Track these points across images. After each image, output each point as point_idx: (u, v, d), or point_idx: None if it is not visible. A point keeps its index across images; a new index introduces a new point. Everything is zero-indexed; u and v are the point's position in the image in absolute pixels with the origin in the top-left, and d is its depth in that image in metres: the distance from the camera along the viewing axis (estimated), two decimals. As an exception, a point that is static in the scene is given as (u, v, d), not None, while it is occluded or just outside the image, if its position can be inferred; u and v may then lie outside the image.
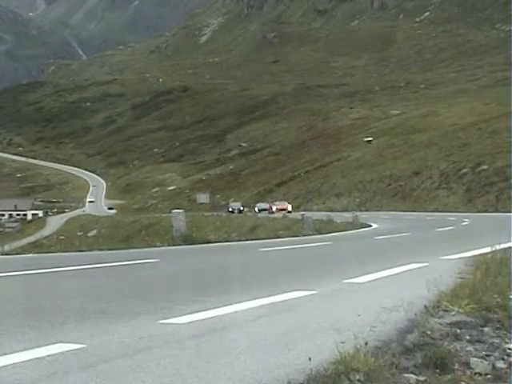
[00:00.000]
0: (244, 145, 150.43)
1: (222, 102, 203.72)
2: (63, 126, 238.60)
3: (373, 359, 3.37)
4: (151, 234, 29.72)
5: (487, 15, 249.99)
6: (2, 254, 15.82)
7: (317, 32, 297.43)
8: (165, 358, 3.49)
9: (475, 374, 3.51)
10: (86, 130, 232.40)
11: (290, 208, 58.95)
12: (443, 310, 4.91)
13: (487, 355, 3.84)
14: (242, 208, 66.79)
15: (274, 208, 59.25)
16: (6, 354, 3.57)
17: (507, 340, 4.17)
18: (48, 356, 3.51)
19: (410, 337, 4.06)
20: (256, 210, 62.66)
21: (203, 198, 64.59)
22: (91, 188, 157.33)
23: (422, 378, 3.35)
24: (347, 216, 33.22)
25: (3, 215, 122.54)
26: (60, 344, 3.79)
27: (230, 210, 64.59)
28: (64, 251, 17.56)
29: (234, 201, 78.38)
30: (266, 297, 5.65)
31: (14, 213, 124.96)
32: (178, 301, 5.58)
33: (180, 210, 19.64)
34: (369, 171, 69.70)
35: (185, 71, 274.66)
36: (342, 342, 3.64)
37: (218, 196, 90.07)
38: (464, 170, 52.81)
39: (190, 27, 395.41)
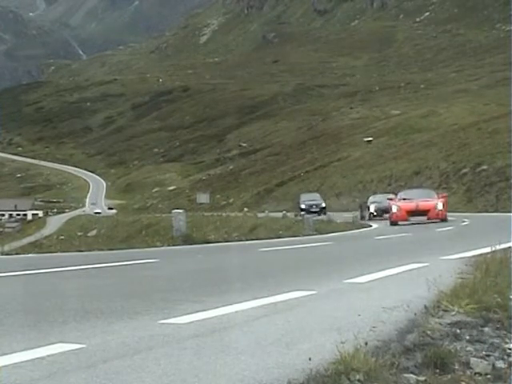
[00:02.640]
0: (244, 145, 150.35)
1: (221, 101, 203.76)
2: (63, 126, 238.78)
3: (373, 359, 3.37)
4: (151, 234, 29.68)
5: (487, 15, 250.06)
6: (2, 254, 15.83)
7: (317, 32, 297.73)
8: (165, 358, 3.49)
9: (475, 374, 3.51)
10: (85, 130, 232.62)
11: (440, 206, 28.23)
12: (443, 310, 4.91)
13: (487, 355, 3.84)
14: (324, 205, 44.46)
15: (394, 208, 28.76)
16: (5, 354, 3.57)
17: (507, 340, 4.17)
18: (48, 356, 3.51)
19: (410, 337, 4.06)
20: (372, 211, 37.92)
21: (203, 197, 64.00)
22: (88, 204, 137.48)
23: (422, 378, 3.35)
24: (347, 216, 33.28)
25: (3, 215, 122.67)
26: (60, 344, 3.79)
27: (304, 207, 42.04)
28: (64, 251, 17.60)
29: (304, 192, 51.43)
30: (266, 297, 5.64)
31: (14, 213, 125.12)
32: (177, 301, 5.58)
33: (180, 210, 19.67)
34: (369, 171, 69.66)
35: (185, 71, 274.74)
36: (342, 342, 3.64)
37: (218, 196, 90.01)
38: (464, 170, 52.78)
39: (190, 27, 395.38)
